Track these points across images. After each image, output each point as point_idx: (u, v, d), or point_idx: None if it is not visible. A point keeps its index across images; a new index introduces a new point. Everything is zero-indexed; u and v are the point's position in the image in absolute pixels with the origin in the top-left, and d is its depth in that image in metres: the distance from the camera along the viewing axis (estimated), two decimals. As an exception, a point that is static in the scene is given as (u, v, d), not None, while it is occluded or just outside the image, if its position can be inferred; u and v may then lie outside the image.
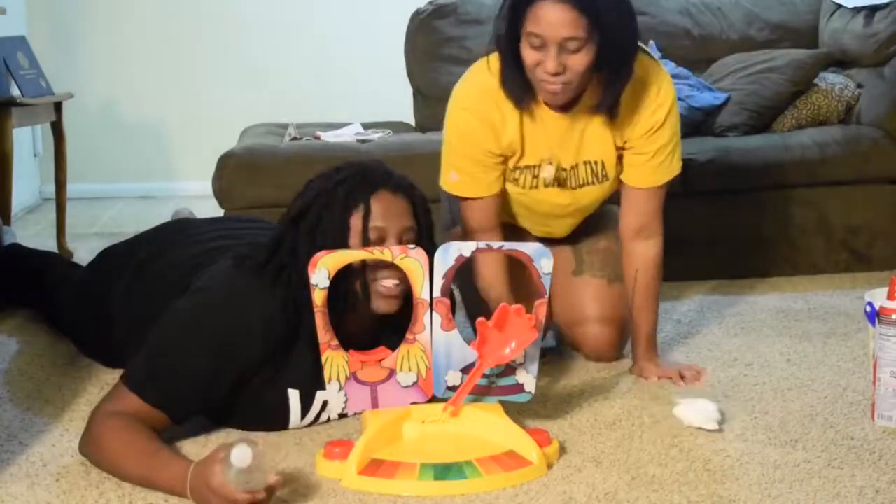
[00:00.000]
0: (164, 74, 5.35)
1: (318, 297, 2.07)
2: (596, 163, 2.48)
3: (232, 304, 2.10)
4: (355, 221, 2.12)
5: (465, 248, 2.14)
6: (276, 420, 2.20)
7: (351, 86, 5.29)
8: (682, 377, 2.49)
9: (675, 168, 2.51)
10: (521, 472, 1.98)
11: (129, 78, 5.34)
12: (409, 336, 2.14)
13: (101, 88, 5.32)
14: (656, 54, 3.99)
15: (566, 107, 2.38)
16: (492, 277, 2.51)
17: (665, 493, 1.93)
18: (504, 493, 1.93)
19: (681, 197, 3.44)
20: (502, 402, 2.15)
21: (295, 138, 3.74)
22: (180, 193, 5.15)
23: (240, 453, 1.75)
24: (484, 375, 2.13)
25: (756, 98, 3.81)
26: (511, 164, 2.47)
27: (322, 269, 2.07)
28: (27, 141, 5.07)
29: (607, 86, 2.32)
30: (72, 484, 1.98)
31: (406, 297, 2.15)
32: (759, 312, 3.09)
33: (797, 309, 3.13)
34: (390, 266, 2.11)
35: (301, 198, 2.19)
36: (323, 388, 2.15)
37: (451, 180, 2.47)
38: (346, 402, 2.12)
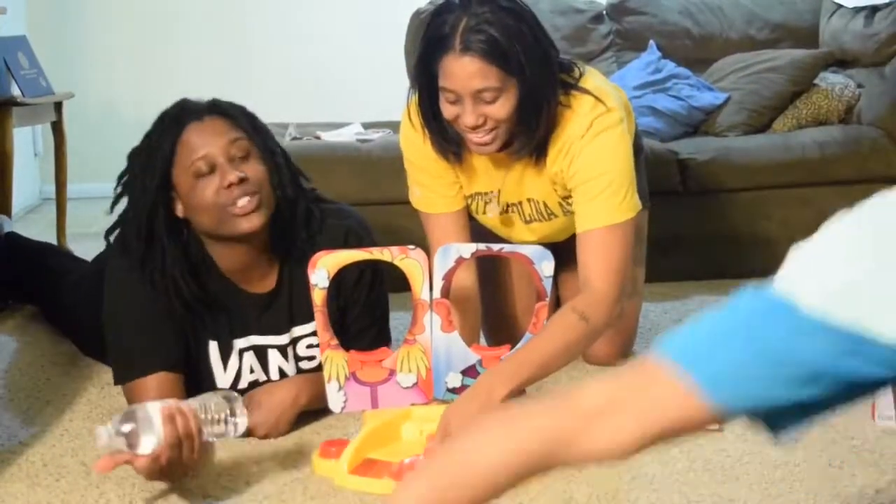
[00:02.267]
0: (164, 74, 5.35)
1: (318, 297, 2.07)
2: (538, 202, 2.39)
3: (123, 277, 2.14)
4: (178, 174, 2.09)
5: (465, 250, 2.14)
6: (203, 377, 2.20)
7: (351, 86, 5.29)
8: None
9: (604, 215, 2.22)
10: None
11: (129, 78, 5.34)
12: (409, 337, 2.14)
13: (101, 88, 5.32)
14: (656, 54, 4.01)
15: (499, 150, 2.25)
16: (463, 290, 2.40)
17: (665, 493, 1.93)
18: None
19: (681, 197, 3.46)
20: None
21: (295, 138, 3.73)
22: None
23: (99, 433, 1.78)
24: (483, 377, 2.13)
25: (756, 98, 3.81)
26: (464, 190, 2.41)
27: (321, 269, 2.07)
28: (27, 141, 5.06)
29: (525, 131, 2.20)
30: (72, 484, 1.98)
31: (272, 211, 2.13)
32: (760, 312, 3.08)
33: (797, 309, 3.12)
34: (242, 181, 2.07)
35: (132, 180, 2.16)
36: (238, 336, 2.20)
37: (416, 196, 2.43)
38: (345, 402, 2.12)
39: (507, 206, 2.42)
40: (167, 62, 5.35)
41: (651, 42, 4.07)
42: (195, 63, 5.36)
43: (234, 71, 5.35)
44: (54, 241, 4.02)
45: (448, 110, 2.17)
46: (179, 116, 2.13)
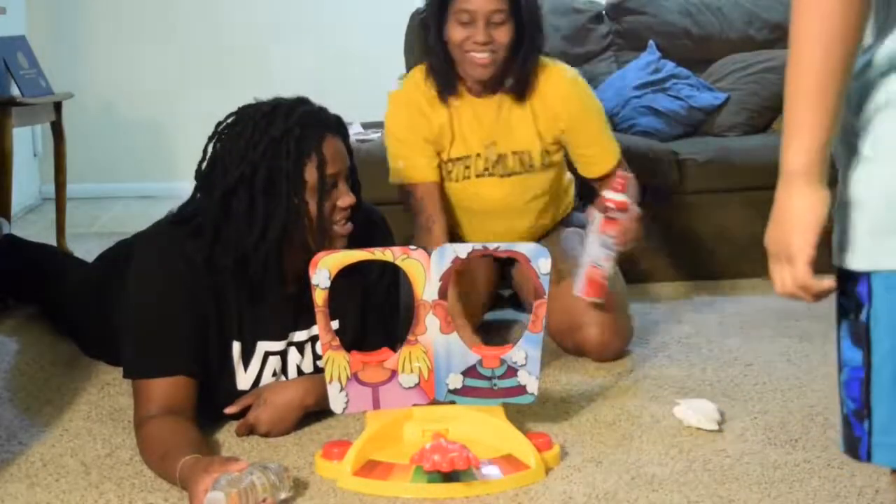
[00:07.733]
0: (164, 74, 5.35)
1: (319, 297, 2.08)
2: (522, 152, 2.72)
3: (158, 258, 2.16)
4: (310, 174, 2.14)
5: (461, 250, 2.14)
6: (224, 376, 2.20)
7: (351, 86, 5.28)
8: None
9: (614, 150, 2.76)
10: (517, 475, 1.97)
11: (129, 78, 5.33)
12: (410, 337, 2.14)
13: (101, 88, 5.32)
14: (655, 55, 4.01)
15: (489, 91, 2.67)
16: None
17: (665, 493, 1.93)
18: (504, 492, 1.93)
19: (681, 197, 3.46)
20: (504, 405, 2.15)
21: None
22: (180, 193, 5.10)
23: (213, 498, 1.74)
24: (485, 378, 2.13)
25: (756, 98, 3.81)
26: (444, 156, 2.71)
27: (323, 270, 2.07)
28: (27, 141, 5.06)
29: (514, 63, 2.62)
30: (72, 484, 1.99)
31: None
32: (759, 312, 3.09)
33: (797, 309, 3.12)
34: (348, 208, 2.17)
35: (247, 152, 2.12)
36: (263, 338, 2.21)
37: (398, 167, 2.71)
38: (346, 403, 2.12)
39: (498, 157, 2.70)
40: (167, 62, 5.35)
41: (650, 42, 4.07)
42: (195, 64, 5.36)
43: (234, 72, 5.35)
44: (54, 242, 4.02)
45: (458, 32, 2.58)
46: (319, 122, 2.19)
